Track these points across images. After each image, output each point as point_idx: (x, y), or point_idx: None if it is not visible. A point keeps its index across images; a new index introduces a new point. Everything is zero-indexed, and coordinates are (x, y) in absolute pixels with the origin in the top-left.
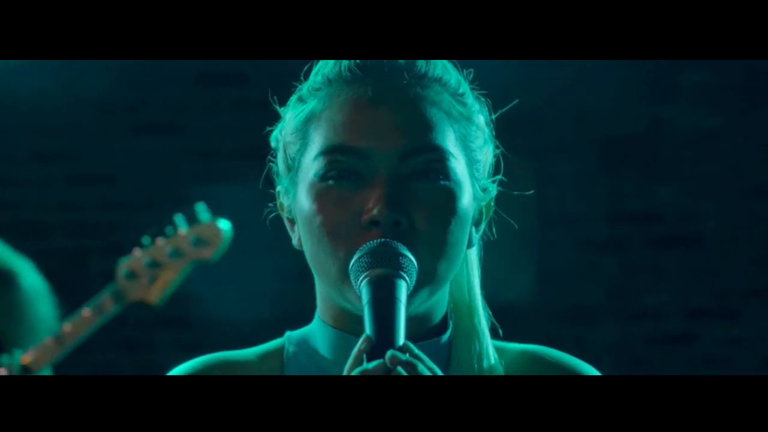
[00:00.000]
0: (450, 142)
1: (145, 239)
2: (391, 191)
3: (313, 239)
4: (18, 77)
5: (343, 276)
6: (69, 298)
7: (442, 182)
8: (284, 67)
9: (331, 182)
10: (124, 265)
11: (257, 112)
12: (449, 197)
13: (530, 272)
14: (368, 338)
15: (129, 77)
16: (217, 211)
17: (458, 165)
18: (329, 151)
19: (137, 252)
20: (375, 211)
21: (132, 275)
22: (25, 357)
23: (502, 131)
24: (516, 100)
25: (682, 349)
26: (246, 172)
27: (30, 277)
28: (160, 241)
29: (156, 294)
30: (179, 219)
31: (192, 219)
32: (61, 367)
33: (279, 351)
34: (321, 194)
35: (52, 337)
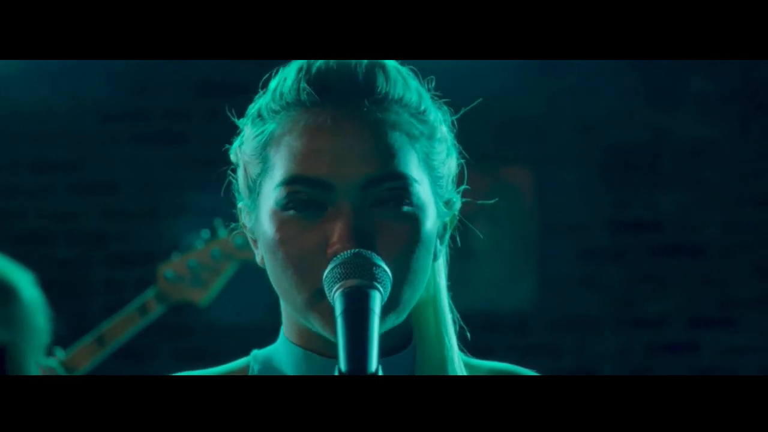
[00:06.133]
0: (413, 166)
1: (183, 245)
2: (355, 223)
3: (278, 269)
4: (20, 85)
5: (309, 306)
6: (70, 307)
7: (405, 209)
8: None
9: (292, 212)
10: (166, 267)
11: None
12: (413, 224)
13: (531, 280)
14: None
15: (131, 86)
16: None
17: (422, 189)
18: (290, 182)
19: (176, 256)
20: (339, 245)
21: (176, 277)
22: (67, 358)
23: (505, 139)
24: (479, 99)
25: (683, 358)
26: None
27: (30, 289)
28: (202, 244)
29: (202, 294)
30: (218, 223)
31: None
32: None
33: (243, 370)
34: (283, 224)
35: (93, 338)
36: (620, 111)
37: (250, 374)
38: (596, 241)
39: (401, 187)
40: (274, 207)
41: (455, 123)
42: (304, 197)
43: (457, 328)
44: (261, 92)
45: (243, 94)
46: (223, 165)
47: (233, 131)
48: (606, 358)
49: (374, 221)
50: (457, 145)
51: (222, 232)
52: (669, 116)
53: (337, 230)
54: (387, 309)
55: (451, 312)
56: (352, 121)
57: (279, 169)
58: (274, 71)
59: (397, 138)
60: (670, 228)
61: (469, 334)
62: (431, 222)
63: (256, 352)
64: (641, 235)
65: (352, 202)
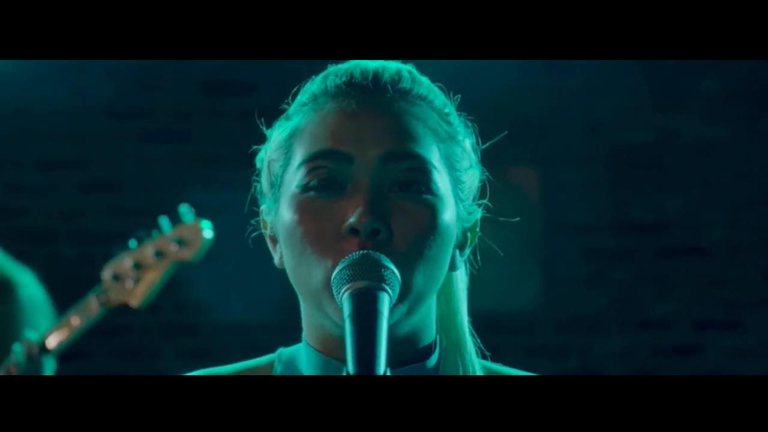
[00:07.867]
0: (434, 156)
1: (132, 242)
2: (372, 200)
3: (295, 251)
4: (26, 84)
5: (325, 286)
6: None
7: (423, 195)
8: (292, 76)
9: (312, 193)
10: (109, 268)
11: (264, 120)
12: (430, 211)
13: (536, 281)
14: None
15: (136, 84)
16: (222, 218)
17: (441, 179)
18: (311, 158)
19: (123, 255)
20: (354, 219)
21: (117, 278)
22: (10, 367)
23: (511, 139)
24: (505, 132)
25: (688, 360)
26: (252, 179)
27: (29, 287)
28: (145, 243)
29: (138, 296)
30: (164, 221)
31: (176, 221)
32: (66, 374)
33: (267, 368)
34: (302, 205)
35: (37, 342)
36: (626, 111)
37: (272, 373)
38: (601, 241)
39: (420, 168)
40: (294, 190)
41: (480, 148)
42: (324, 173)
43: (476, 349)
44: (290, 102)
45: (249, 93)
46: (228, 164)
47: (239, 130)
48: (611, 359)
49: (393, 202)
50: (481, 166)
51: (166, 228)
52: (675, 116)
53: (354, 205)
54: (399, 296)
55: (471, 333)
56: (377, 105)
57: (301, 152)
58: (300, 84)
59: (420, 128)
60: (676, 229)
61: (489, 357)
62: (450, 217)
63: (282, 351)
64: (646, 236)
65: (371, 177)
